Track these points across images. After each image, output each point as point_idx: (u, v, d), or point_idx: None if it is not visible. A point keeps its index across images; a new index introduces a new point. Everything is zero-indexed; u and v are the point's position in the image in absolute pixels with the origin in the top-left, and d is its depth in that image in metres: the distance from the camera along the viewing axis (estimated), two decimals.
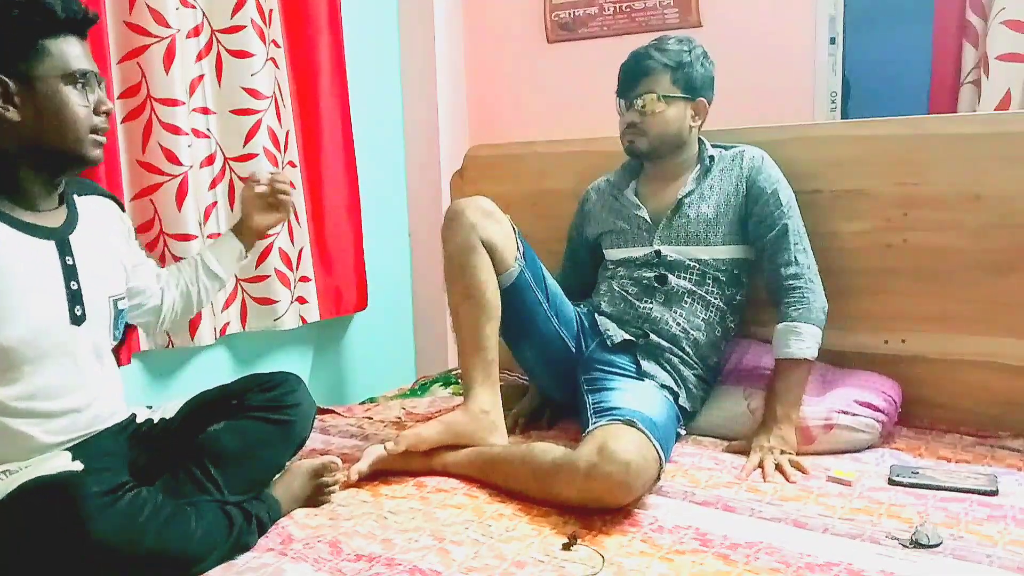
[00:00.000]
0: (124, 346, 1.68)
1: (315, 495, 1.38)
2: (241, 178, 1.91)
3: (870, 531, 1.24)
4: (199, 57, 1.86)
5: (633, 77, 1.70)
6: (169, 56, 1.74)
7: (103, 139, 1.21)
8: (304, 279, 2.12)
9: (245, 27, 1.91)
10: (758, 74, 2.20)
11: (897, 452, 1.60)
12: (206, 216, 1.89)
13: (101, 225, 1.30)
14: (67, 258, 1.19)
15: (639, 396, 1.52)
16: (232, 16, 1.90)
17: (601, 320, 1.74)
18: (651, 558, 1.18)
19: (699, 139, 1.79)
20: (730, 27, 2.24)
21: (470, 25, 2.63)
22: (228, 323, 1.97)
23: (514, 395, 1.90)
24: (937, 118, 1.86)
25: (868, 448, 1.61)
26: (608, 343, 1.69)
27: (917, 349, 1.78)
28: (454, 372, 2.33)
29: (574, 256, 1.97)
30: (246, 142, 1.94)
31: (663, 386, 1.63)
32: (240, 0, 1.89)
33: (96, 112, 1.18)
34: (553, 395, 1.86)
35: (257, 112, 1.95)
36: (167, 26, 1.73)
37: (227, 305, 1.96)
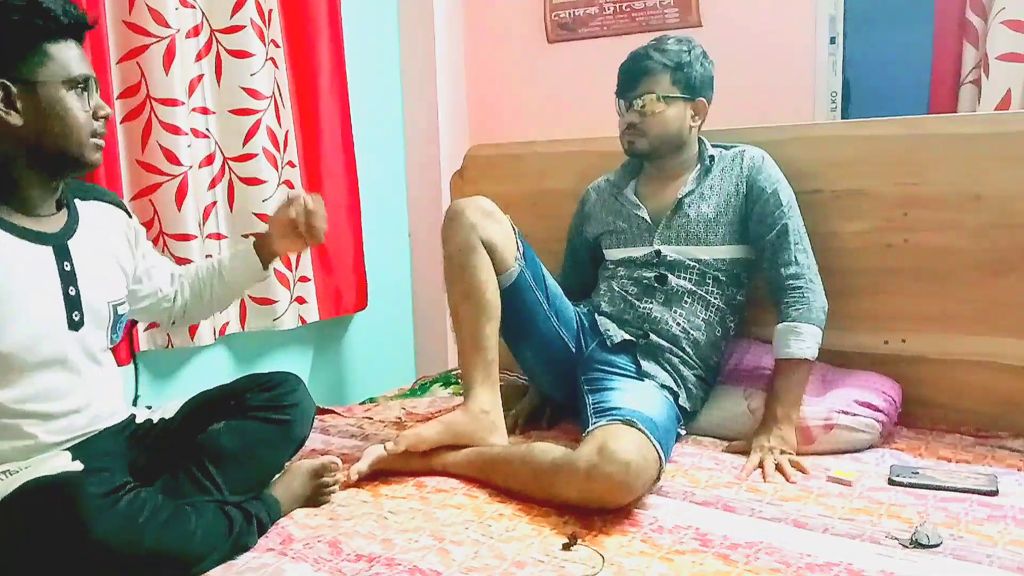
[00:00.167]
0: (123, 345, 1.68)
1: (315, 495, 1.38)
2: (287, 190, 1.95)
3: (870, 531, 1.24)
4: (198, 57, 1.86)
5: (633, 77, 1.70)
6: (169, 56, 1.74)
7: (102, 143, 1.21)
8: (303, 279, 2.12)
9: (245, 27, 1.91)
10: (758, 74, 2.20)
11: (897, 452, 1.60)
12: (205, 216, 1.89)
13: (102, 230, 1.29)
14: (65, 264, 1.19)
15: (639, 396, 1.52)
16: (232, 16, 1.90)
17: (601, 320, 1.74)
18: (651, 558, 1.18)
19: (699, 139, 1.79)
20: (730, 27, 2.24)
21: (470, 25, 2.63)
22: (227, 323, 1.97)
23: (514, 395, 1.90)
24: (937, 118, 1.86)
25: (868, 448, 1.61)
26: (608, 343, 1.69)
27: (917, 349, 1.77)
28: (454, 372, 2.33)
29: (574, 256, 1.97)
30: (245, 142, 1.94)
31: (663, 386, 1.62)
32: (240, 0, 1.89)
33: (95, 117, 1.19)
34: (553, 395, 1.86)
35: (256, 112, 1.95)
36: (167, 26, 1.73)
37: None
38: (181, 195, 1.78)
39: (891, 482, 1.43)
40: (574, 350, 1.72)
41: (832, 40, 2.17)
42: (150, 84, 1.74)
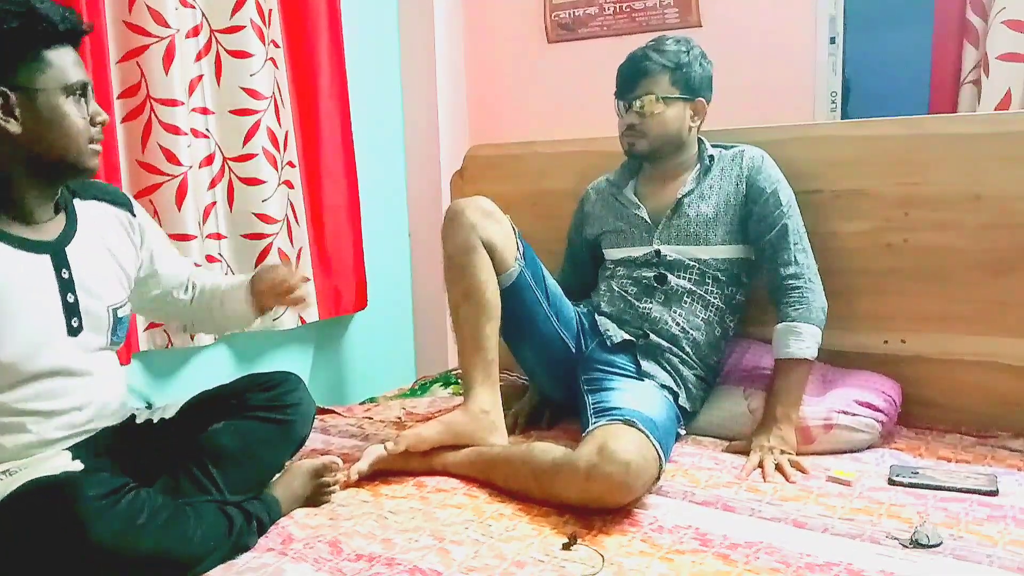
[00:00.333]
0: (123, 346, 1.68)
1: (315, 495, 1.38)
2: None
3: (870, 531, 1.24)
4: (198, 57, 1.86)
5: (632, 78, 1.70)
6: (168, 56, 1.74)
7: (100, 148, 1.21)
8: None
9: (244, 27, 1.91)
10: (758, 74, 2.20)
11: (897, 452, 1.60)
12: (205, 216, 1.89)
13: (100, 231, 1.28)
14: (63, 271, 1.18)
15: (639, 396, 1.52)
16: (231, 16, 1.90)
17: (601, 320, 1.74)
18: (651, 558, 1.18)
19: (699, 139, 1.79)
20: (730, 27, 2.24)
21: (470, 25, 2.63)
22: None
23: (514, 395, 1.90)
24: (937, 118, 1.86)
25: (868, 448, 1.61)
26: (608, 343, 1.69)
27: (917, 349, 1.77)
28: (454, 372, 2.33)
29: (574, 257, 1.97)
30: (245, 142, 1.94)
31: (663, 386, 1.62)
32: (239, 0, 1.89)
33: (92, 123, 1.18)
34: (553, 395, 1.86)
35: (256, 112, 1.95)
36: (166, 26, 1.73)
37: None
38: (181, 195, 1.78)
39: (891, 482, 1.43)
40: (574, 350, 1.72)
41: (832, 40, 2.17)
42: (150, 84, 1.74)
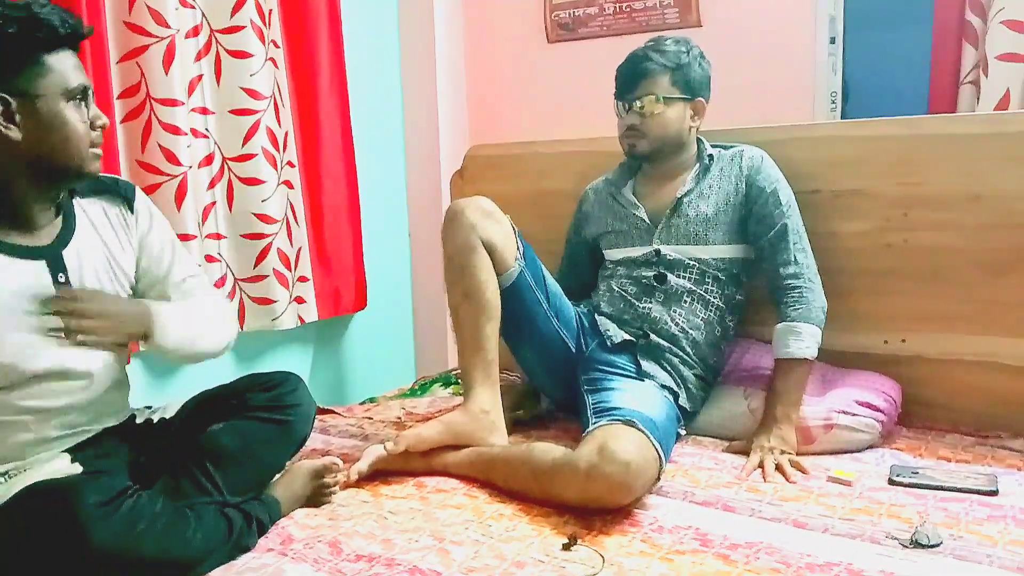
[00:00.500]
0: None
1: (316, 496, 1.38)
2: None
3: (870, 531, 1.24)
4: (198, 57, 1.86)
5: (632, 79, 1.70)
6: (168, 56, 1.74)
7: (100, 152, 1.20)
8: (302, 279, 2.12)
9: (244, 27, 1.91)
10: (758, 74, 2.19)
11: (897, 452, 1.60)
12: (204, 216, 1.89)
13: (98, 232, 1.26)
14: (60, 275, 1.18)
15: (639, 396, 1.52)
16: (231, 16, 1.90)
17: (601, 320, 1.74)
18: (651, 558, 1.18)
19: (698, 139, 1.79)
20: (730, 27, 2.24)
21: (470, 25, 2.63)
22: None
23: (514, 395, 1.91)
24: (937, 118, 1.86)
25: (868, 448, 1.62)
26: (608, 343, 1.69)
27: (917, 349, 1.77)
28: (454, 372, 2.33)
29: (572, 257, 1.97)
30: (245, 142, 1.94)
31: (663, 386, 1.62)
32: (239, 0, 1.89)
33: (92, 127, 1.17)
34: (553, 395, 1.86)
35: (256, 112, 1.94)
36: (166, 26, 1.73)
37: None
38: (180, 195, 1.78)
39: (891, 482, 1.43)
40: (574, 350, 1.72)
41: (832, 40, 2.17)
42: (150, 84, 1.74)
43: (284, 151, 2.05)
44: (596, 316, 1.76)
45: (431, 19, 2.50)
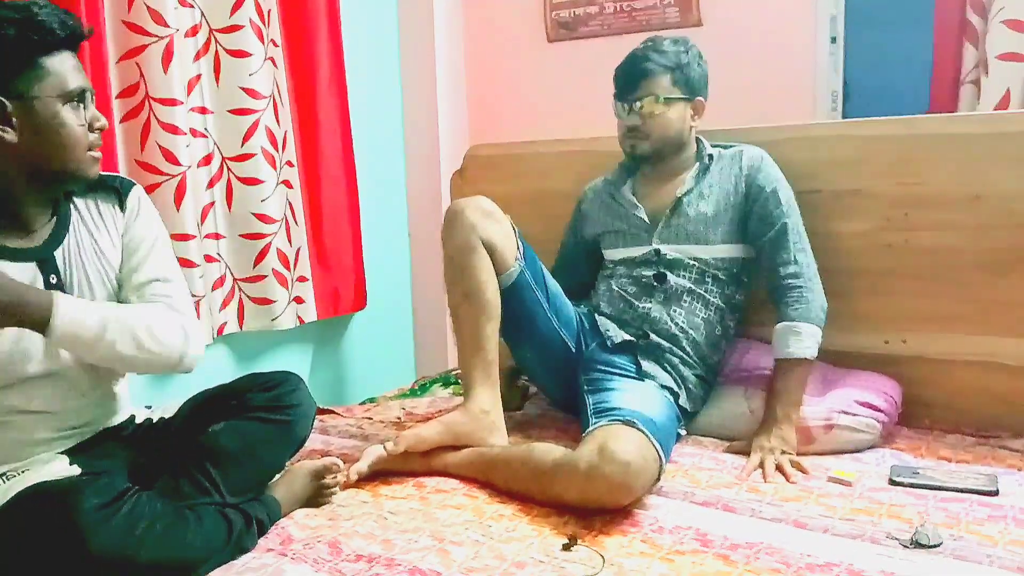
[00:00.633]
0: None
1: (316, 496, 1.38)
2: None
3: (870, 531, 1.24)
4: (197, 56, 1.86)
5: (633, 80, 1.69)
6: (167, 56, 1.74)
7: (99, 154, 1.19)
8: (301, 279, 2.12)
9: (243, 27, 1.91)
10: (758, 74, 2.19)
11: (897, 452, 1.60)
12: (203, 216, 1.89)
13: (90, 232, 1.24)
14: (51, 276, 1.16)
15: (639, 396, 1.52)
16: (231, 15, 1.90)
17: (601, 320, 1.74)
18: (651, 558, 1.18)
19: (697, 138, 1.79)
20: (730, 27, 2.24)
21: (470, 25, 2.62)
22: (226, 323, 1.96)
23: (514, 395, 1.91)
24: (937, 118, 1.86)
25: (868, 448, 1.61)
26: (608, 343, 1.69)
27: (917, 349, 1.77)
28: (454, 372, 2.33)
29: (566, 256, 1.97)
30: (244, 142, 1.94)
31: (663, 386, 1.62)
32: (238, 0, 1.89)
33: (91, 129, 1.16)
34: (553, 395, 1.86)
35: (255, 112, 1.94)
36: (165, 25, 1.73)
37: (224, 305, 1.96)
38: (180, 195, 1.78)
39: (891, 482, 1.43)
40: (574, 350, 1.71)
41: (832, 40, 2.17)
42: (149, 84, 1.73)
43: (283, 151, 2.04)
44: (596, 316, 1.76)
45: (431, 19, 2.50)
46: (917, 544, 1.19)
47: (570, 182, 2.04)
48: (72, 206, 1.23)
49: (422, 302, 2.64)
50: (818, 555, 1.17)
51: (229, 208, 1.96)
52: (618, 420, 1.39)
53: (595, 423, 1.43)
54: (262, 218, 1.98)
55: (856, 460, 1.56)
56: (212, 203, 1.91)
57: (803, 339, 1.61)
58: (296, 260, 2.09)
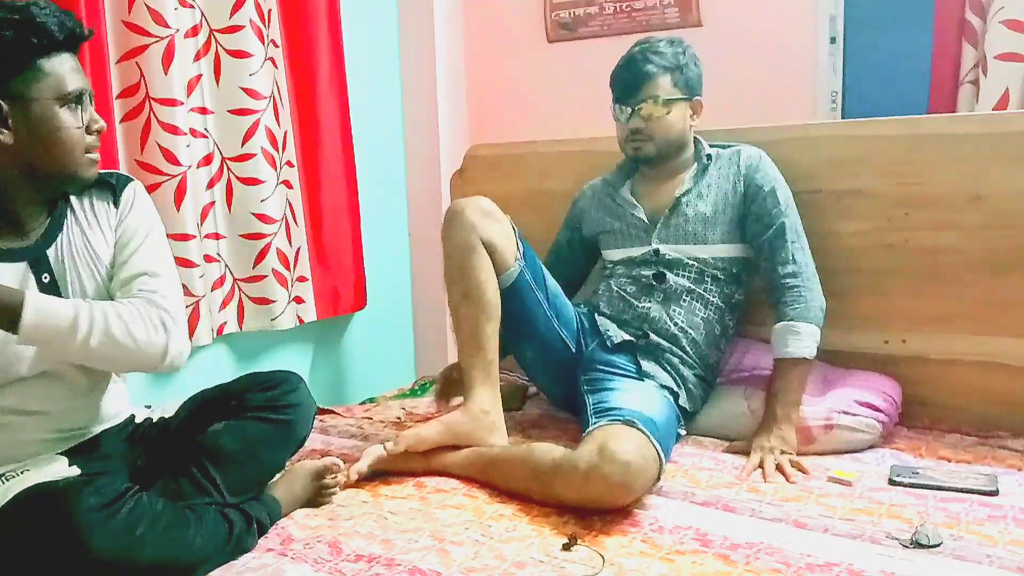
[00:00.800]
0: None
1: (316, 496, 1.38)
2: None
3: (870, 531, 1.24)
4: (197, 57, 1.86)
5: (633, 83, 1.69)
6: (168, 56, 1.74)
7: (97, 156, 1.18)
8: (301, 279, 2.12)
9: (244, 27, 1.91)
10: (758, 74, 2.19)
11: (897, 452, 1.60)
12: (203, 216, 1.89)
13: (83, 231, 1.22)
14: (43, 276, 1.15)
15: (639, 396, 1.52)
16: (231, 16, 1.90)
17: (601, 320, 1.74)
18: (651, 558, 1.18)
19: (695, 138, 1.79)
20: (730, 27, 2.24)
21: (470, 25, 2.62)
22: (225, 323, 1.96)
23: (514, 395, 1.91)
24: (937, 118, 1.86)
25: (868, 448, 1.61)
26: (608, 343, 1.69)
27: (917, 349, 1.77)
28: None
29: (559, 251, 1.96)
30: (244, 142, 1.94)
31: (663, 386, 1.62)
32: (239, 0, 1.89)
33: (88, 131, 1.16)
34: (553, 395, 1.86)
35: (255, 112, 1.94)
36: (166, 26, 1.73)
37: (224, 305, 1.96)
38: (180, 195, 1.78)
39: (891, 482, 1.43)
40: (574, 350, 1.72)
41: (832, 40, 2.17)
42: (149, 84, 1.73)
43: (283, 151, 2.04)
44: (596, 316, 1.76)
45: (431, 19, 2.50)
46: (917, 544, 1.19)
47: (570, 182, 2.05)
48: (68, 205, 1.22)
49: (422, 302, 2.64)
50: (818, 555, 1.17)
51: (229, 208, 1.96)
52: (618, 420, 1.39)
53: (595, 423, 1.43)
54: (262, 218, 1.98)
55: (856, 460, 1.56)
56: (212, 203, 1.91)
57: (802, 339, 1.61)
58: (296, 260, 2.09)
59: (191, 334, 1.84)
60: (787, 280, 1.66)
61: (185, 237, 1.80)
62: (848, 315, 1.77)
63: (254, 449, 1.28)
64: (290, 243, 2.07)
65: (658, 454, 1.35)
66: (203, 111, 1.89)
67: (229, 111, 1.92)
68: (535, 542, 1.23)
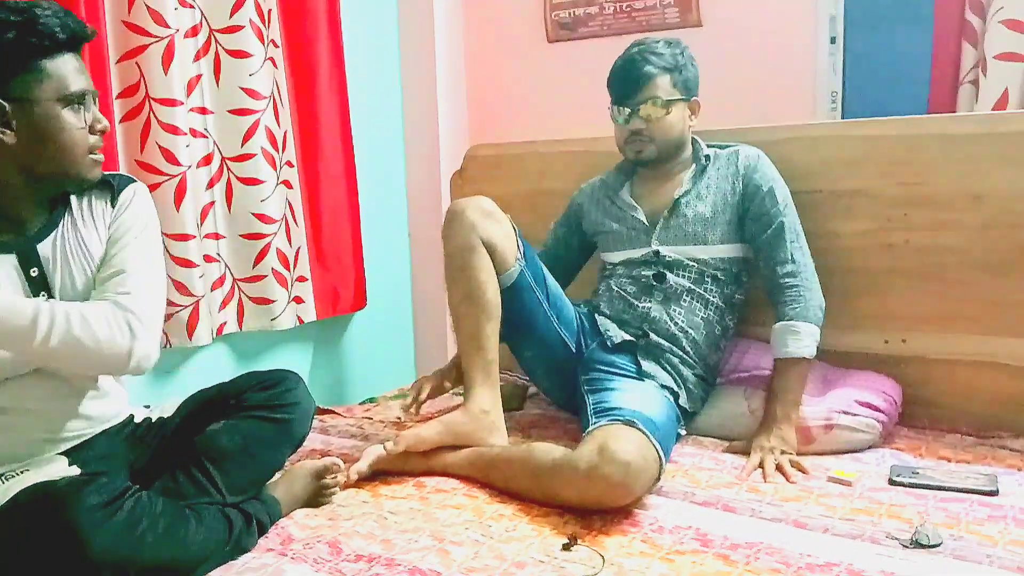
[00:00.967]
0: None
1: (315, 496, 1.38)
2: None
3: (870, 531, 1.24)
4: (197, 57, 1.86)
5: (633, 84, 1.69)
6: (168, 56, 1.74)
7: (100, 157, 1.18)
8: (301, 279, 2.12)
9: (244, 27, 1.91)
10: (758, 74, 2.19)
11: (897, 452, 1.60)
12: (203, 216, 1.89)
13: (79, 229, 1.21)
14: (32, 270, 1.15)
15: (639, 396, 1.52)
16: (231, 16, 1.90)
17: (601, 321, 1.74)
18: (651, 558, 1.18)
19: (693, 139, 1.79)
20: (730, 27, 2.24)
21: (470, 25, 2.62)
22: (225, 323, 1.96)
23: (514, 395, 1.91)
24: (937, 118, 1.86)
25: (868, 448, 1.61)
26: (608, 343, 1.69)
27: (917, 349, 1.77)
28: None
29: (556, 246, 1.95)
30: (244, 142, 1.94)
31: (663, 386, 1.62)
32: (239, 0, 1.89)
33: (91, 131, 1.16)
34: (553, 395, 1.86)
35: (255, 112, 1.94)
36: (166, 26, 1.73)
37: (224, 305, 1.96)
38: (179, 195, 1.78)
39: (891, 482, 1.43)
40: (574, 350, 1.72)
41: (832, 40, 2.17)
42: (149, 84, 1.73)
43: (283, 151, 2.04)
44: (596, 316, 1.76)
45: (431, 19, 2.50)
46: (917, 544, 1.19)
47: (570, 182, 2.04)
48: (67, 204, 1.22)
49: (422, 302, 2.64)
50: (818, 555, 1.17)
51: (229, 208, 1.96)
52: (618, 420, 1.39)
53: (595, 423, 1.43)
54: (262, 218, 1.98)
55: (856, 460, 1.56)
56: (212, 203, 1.91)
57: (801, 338, 1.61)
58: (296, 260, 2.09)
59: (191, 334, 1.84)
60: (786, 280, 1.66)
61: (185, 237, 1.80)
62: (848, 315, 1.77)
63: (253, 448, 1.28)
64: (290, 243, 2.07)
65: (658, 454, 1.35)
66: (203, 111, 1.89)
67: (229, 111, 1.92)
68: (535, 542, 1.23)
